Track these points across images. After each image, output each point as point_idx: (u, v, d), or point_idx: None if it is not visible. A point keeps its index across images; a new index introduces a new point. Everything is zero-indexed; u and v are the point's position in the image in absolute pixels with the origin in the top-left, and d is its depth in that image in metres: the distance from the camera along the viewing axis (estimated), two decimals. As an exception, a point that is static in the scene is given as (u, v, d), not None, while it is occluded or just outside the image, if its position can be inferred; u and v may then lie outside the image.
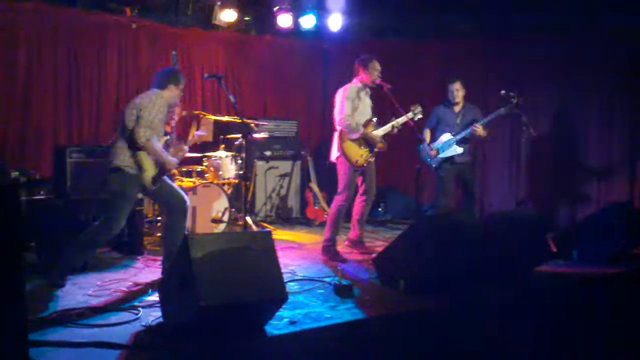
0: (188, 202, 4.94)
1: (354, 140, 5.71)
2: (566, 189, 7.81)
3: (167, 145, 4.93)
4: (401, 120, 5.91)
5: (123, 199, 4.63)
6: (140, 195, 5.03)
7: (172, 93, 4.84)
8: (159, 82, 4.83)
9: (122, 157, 4.61)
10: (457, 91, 6.60)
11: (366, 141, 5.76)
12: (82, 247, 4.66)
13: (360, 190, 5.95)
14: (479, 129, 6.40)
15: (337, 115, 5.77)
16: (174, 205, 4.88)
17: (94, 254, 4.94)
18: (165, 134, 4.95)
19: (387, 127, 5.90)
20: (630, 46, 7.31)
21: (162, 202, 5.07)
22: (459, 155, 6.56)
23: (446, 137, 6.56)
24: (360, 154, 5.74)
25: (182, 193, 4.95)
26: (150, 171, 4.67)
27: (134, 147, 4.58)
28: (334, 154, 5.85)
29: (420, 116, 5.90)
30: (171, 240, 4.86)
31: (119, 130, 4.71)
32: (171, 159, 4.80)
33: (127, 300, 4.26)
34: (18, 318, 2.90)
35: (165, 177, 4.88)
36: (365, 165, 5.79)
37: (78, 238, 4.64)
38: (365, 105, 5.86)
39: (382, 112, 6.31)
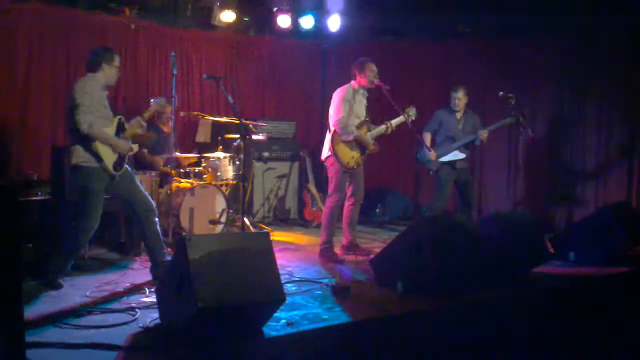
0: (154, 206, 4.88)
1: (346, 142, 5.71)
2: (563, 190, 7.81)
3: (120, 126, 4.76)
4: (395, 121, 5.91)
5: (89, 195, 4.60)
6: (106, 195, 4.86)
7: (106, 73, 4.70)
8: (91, 65, 4.69)
9: (77, 154, 4.56)
10: (459, 100, 6.64)
11: (358, 143, 5.76)
12: (66, 250, 4.67)
13: (348, 193, 5.93)
14: (485, 136, 6.45)
15: (332, 116, 5.76)
16: (136, 209, 4.80)
17: (78, 255, 4.91)
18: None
19: (380, 129, 5.89)
20: (628, 48, 7.32)
21: (126, 204, 4.94)
22: (460, 160, 6.60)
23: (453, 149, 6.60)
24: (351, 156, 5.73)
25: (148, 197, 4.89)
26: (109, 158, 4.60)
27: (84, 139, 4.50)
28: (325, 154, 5.84)
29: (413, 118, 5.89)
30: (148, 245, 4.85)
31: (68, 128, 4.65)
32: (121, 142, 4.67)
33: (124, 302, 4.26)
34: (15, 319, 2.90)
35: (133, 177, 4.83)
36: (355, 167, 5.79)
37: (61, 243, 4.67)
38: (360, 107, 5.85)
39: (381, 113, 6.32)
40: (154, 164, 6.45)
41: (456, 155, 6.60)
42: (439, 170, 6.65)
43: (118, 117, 4.78)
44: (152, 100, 5.12)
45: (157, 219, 4.89)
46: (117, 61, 4.76)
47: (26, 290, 4.28)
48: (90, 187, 4.59)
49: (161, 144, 6.54)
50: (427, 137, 6.77)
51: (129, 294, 4.48)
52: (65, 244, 4.68)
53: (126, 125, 4.81)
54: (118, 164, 4.67)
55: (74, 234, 4.67)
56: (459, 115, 6.71)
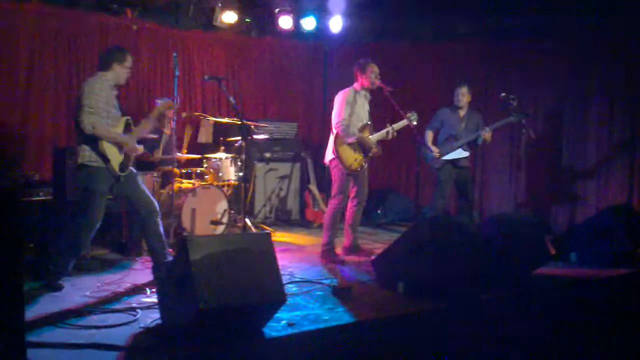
0: (157, 207, 4.87)
1: (349, 145, 5.70)
2: (565, 192, 7.81)
3: (128, 127, 4.78)
4: (397, 125, 5.91)
5: (91, 195, 4.59)
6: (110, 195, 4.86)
7: (117, 72, 4.73)
8: (102, 64, 4.73)
9: (83, 154, 4.57)
10: (463, 96, 6.65)
11: (361, 146, 5.75)
12: (68, 248, 4.66)
13: (351, 194, 5.93)
14: (488, 134, 6.43)
15: (334, 118, 5.77)
16: (139, 210, 4.80)
17: (80, 254, 4.88)
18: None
19: (382, 133, 5.89)
20: (628, 48, 7.32)
21: (130, 204, 4.95)
22: (463, 158, 6.60)
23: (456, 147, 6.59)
24: (354, 158, 5.73)
25: (152, 197, 4.89)
26: (115, 159, 4.61)
27: (91, 139, 4.52)
28: (328, 156, 5.85)
29: (415, 123, 5.89)
30: (150, 245, 4.86)
31: (75, 127, 4.64)
32: (127, 139, 4.69)
33: (125, 302, 4.26)
34: (16, 319, 2.90)
35: (137, 178, 4.82)
36: (359, 169, 5.79)
37: (63, 241, 4.66)
38: (362, 109, 5.85)
39: (382, 115, 6.32)
40: (153, 162, 6.46)
41: (459, 153, 6.60)
42: (440, 170, 6.66)
43: (126, 117, 4.80)
44: (157, 100, 5.16)
45: (160, 220, 4.90)
46: (128, 61, 4.79)
47: (27, 290, 4.29)
48: (93, 188, 4.59)
49: (162, 144, 6.52)
50: (429, 136, 6.79)
51: (130, 294, 4.48)
52: (65, 241, 4.66)
53: (133, 127, 4.83)
54: (124, 165, 4.69)
55: (75, 230, 4.65)
56: (462, 113, 6.71)
